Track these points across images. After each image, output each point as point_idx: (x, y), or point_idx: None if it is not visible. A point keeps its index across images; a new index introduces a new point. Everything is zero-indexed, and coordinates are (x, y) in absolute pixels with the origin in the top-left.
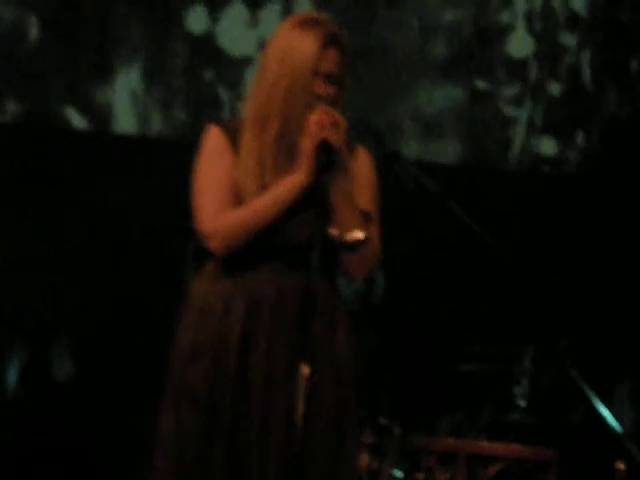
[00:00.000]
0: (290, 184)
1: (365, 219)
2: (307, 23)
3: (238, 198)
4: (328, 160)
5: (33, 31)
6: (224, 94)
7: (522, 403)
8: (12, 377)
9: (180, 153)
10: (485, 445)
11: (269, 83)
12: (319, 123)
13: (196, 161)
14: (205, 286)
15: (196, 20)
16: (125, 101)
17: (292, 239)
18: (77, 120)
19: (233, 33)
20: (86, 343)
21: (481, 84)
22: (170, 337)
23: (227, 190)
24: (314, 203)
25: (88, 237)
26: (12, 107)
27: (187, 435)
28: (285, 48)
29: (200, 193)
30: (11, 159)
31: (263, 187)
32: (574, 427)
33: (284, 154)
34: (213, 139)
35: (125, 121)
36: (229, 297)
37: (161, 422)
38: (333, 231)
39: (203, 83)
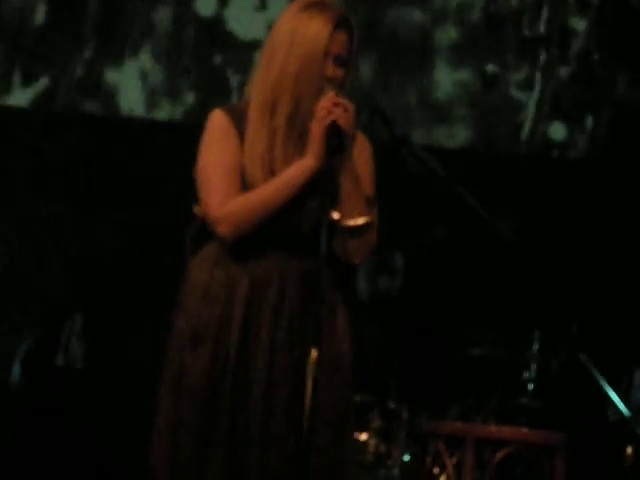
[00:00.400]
0: (300, 168)
1: (368, 204)
2: (314, 6)
3: (245, 183)
4: (338, 143)
5: (39, 16)
6: (233, 78)
7: (531, 387)
8: (17, 367)
9: (189, 137)
10: (493, 429)
11: (278, 66)
12: (328, 107)
13: (200, 146)
14: (206, 271)
15: (205, 3)
16: (134, 84)
17: (298, 226)
18: (86, 103)
19: (242, 17)
20: (96, 327)
21: (491, 68)
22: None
23: (234, 175)
24: (322, 188)
25: (96, 221)
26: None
27: (184, 425)
28: (293, 31)
29: (206, 178)
30: (25, 144)
31: (272, 173)
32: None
33: (295, 138)
34: (218, 123)
35: (133, 104)
36: (232, 282)
37: (158, 411)
38: (335, 215)
39: (212, 66)
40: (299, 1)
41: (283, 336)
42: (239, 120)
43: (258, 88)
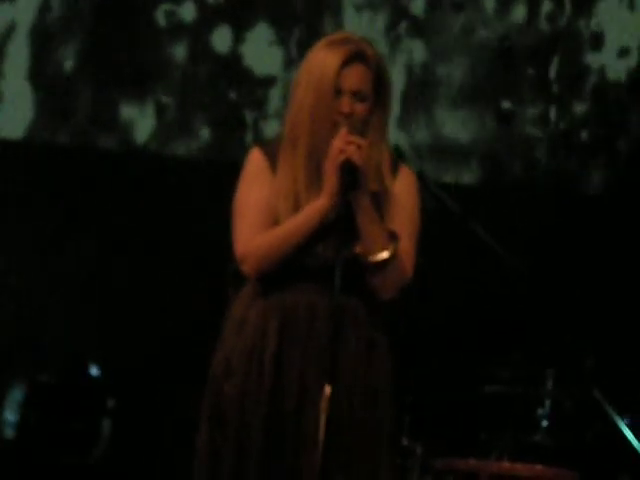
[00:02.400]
0: (314, 208)
1: (391, 239)
2: (334, 43)
3: (275, 219)
4: (352, 180)
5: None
6: (249, 114)
7: (544, 424)
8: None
9: (206, 172)
10: (507, 466)
11: (297, 102)
12: (340, 146)
13: (238, 184)
14: (242, 307)
15: (221, 39)
16: (149, 119)
17: (322, 260)
18: (102, 138)
19: (258, 52)
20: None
21: (505, 104)
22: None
23: (264, 212)
24: (341, 223)
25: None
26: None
27: (220, 457)
28: (310, 68)
29: (238, 216)
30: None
31: (297, 208)
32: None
33: (316, 174)
34: (253, 161)
35: (148, 139)
36: (263, 316)
37: (198, 443)
38: (358, 250)
39: (228, 102)
40: (326, 37)
41: (313, 369)
42: (274, 155)
43: (284, 123)
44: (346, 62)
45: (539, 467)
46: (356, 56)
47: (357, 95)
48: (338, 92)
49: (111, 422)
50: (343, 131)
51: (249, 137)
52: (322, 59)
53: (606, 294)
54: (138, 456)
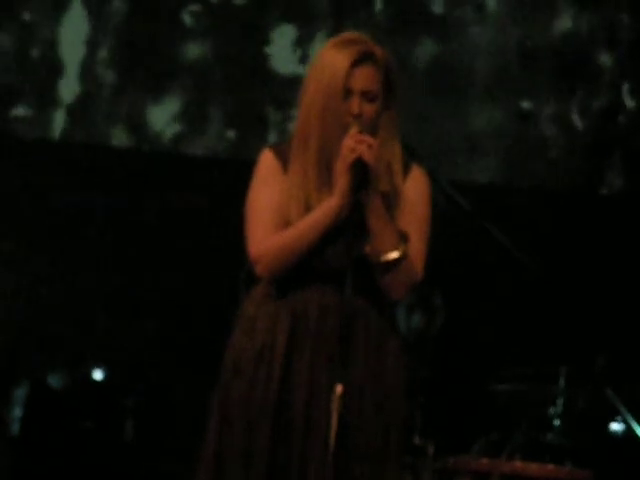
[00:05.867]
0: (326, 208)
1: (402, 239)
2: (342, 43)
3: (287, 220)
4: (363, 178)
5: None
6: (273, 114)
7: (557, 423)
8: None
9: (230, 172)
10: (519, 465)
11: (307, 103)
12: (350, 145)
13: (250, 186)
14: (252, 308)
15: (245, 39)
16: (173, 119)
17: (333, 261)
18: (123, 138)
19: (282, 52)
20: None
21: (523, 103)
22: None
23: (276, 213)
24: (351, 223)
25: (143, 259)
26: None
27: (226, 456)
28: (320, 68)
29: (251, 217)
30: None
31: (308, 208)
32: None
33: (326, 174)
34: (265, 162)
35: (172, 139)
36: (274, 316)
37: (205, 441)
38: (368, 249)
39: (251, 102)
40: (334, 38)
41: (323, 370)
42: (285, 157)
43: (295, 124)
44: (355, 62)
45: (551, 466)
46: (365, 56)
47: (366, 95)
48: (348, 92)
49: (133, 422)
50: (354, 130)
51: (272, 137)
52: (331, 59)
53: (619, 293)
54: (148, 455)
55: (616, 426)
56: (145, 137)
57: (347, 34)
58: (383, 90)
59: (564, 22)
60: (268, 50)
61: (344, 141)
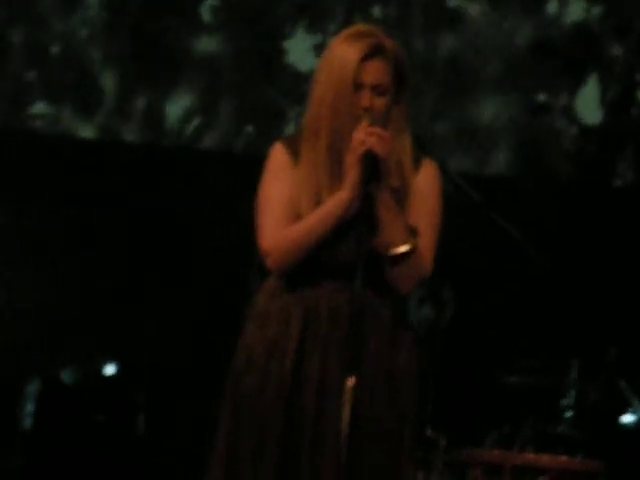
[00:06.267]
0: (336, 200)
1: (411, 233)
2: (353, 36)
3: (297, 213)
4: (374, 171)
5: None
6: (290, 109)
7: (569, 415)
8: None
9: (248, 167)
10: (531, 457)
11: (318, 97)
12: (361, 137)
13: (261, 179)
14: (264, 302)
15: (263, 35)
16: (192, 115)
17: (344, 256)
18: (135, 134)
19: (300, 47)
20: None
21: (534, 95)
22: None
23: (287, 207)
24: (362, 217)
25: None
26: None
27: (238, 448)
28: (330, 62)
29: (262, 211)
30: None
31: (319, 201)
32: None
33: (337, 167)
34: (276, 156)
35: (190, 135)
36: (286, 311)
37: (219, 434)
38: (377, 242)
39: (270, 97)
40: (344, 31)
41: (334, 365)
42: (296, 151)
43: (305, 118)
44: (366, 56)
45: (564, 458)
46: (375, 50)
47: (377, 89)
48: (358, 86)
49: (144, 417)
50: (364, 123)
51: (289, 132)
52: (342, 53)
53: (631, 285)
54: (159, 450)
55: (628, 417)
56: (160, 132)
57: (358, 27)
58: (394, 83)
59: (575, 13)
60: (285, 45)
61: (354, 134)
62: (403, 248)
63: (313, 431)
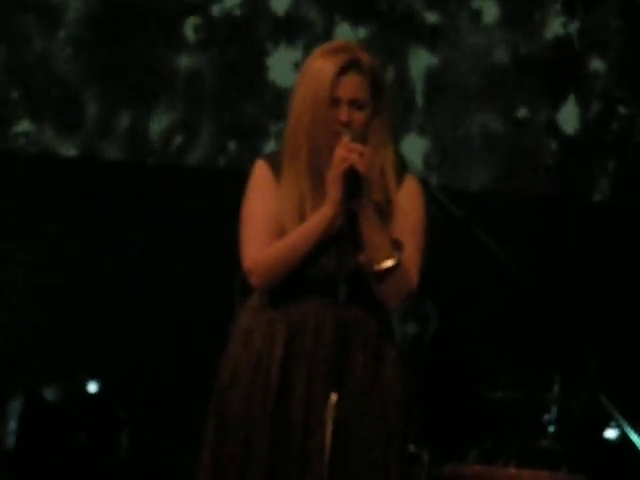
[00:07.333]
0: (319, 217)
1: (395, 247)
2: (329, 51)
3: (280, 229)
4: (356, 187)
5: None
6: (273, 125)
7: (551, 430)
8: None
9: (230, 183)
10: (514, 472)
11: (296, 112)
12: (342, 154)
13: (244, 195)
14: (248, 318)
15: (244, 50)
16: (173, 131)
17: (326, 272)
18: (116, 152)
19: (281, 64)
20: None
21: (515, 110)
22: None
23: (270, 224)
24: (345, 233)
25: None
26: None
27: (223, 465)
28: (307, 78)
29: (245, 228)
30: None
31: (302, 217)
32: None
33: (319, 183)
34: (258, 173)
35: (173, 152)
36: (271, 327)
37: (204, 450)
38: (362, 258)
39: (250, 114)
40: (322, 46)
41: (319, 381)
42: (277, 167)
43: (285, 133)
44: (342, 70)
45: (546, 473)
46: (351, 64)
47: (354, 104)
48: (335, 101)
49: (127, 435)
50: (345, 139)
51: (271, 148)
52: (318, 69)
53: (611, 299)
54: (143, 468)
55: (610, 432)
56: (142, 149)
57: (334, 42)
58: (371, 97)
59: (555, 28)
60: (267, 62)
61: (336, 150)
62: (388, 263)
63: (300, 447)
